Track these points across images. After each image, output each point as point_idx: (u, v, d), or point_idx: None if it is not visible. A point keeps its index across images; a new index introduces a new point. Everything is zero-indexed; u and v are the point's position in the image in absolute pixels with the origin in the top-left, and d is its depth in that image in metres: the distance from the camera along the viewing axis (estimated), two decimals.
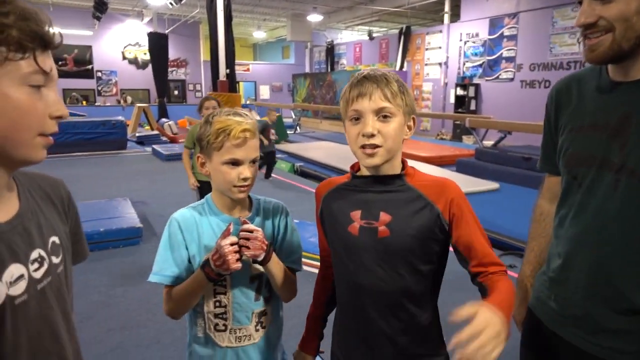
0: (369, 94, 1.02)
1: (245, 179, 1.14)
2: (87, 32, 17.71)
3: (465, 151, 8.80)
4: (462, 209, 1.05)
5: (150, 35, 15.98)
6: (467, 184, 6.03)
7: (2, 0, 0.64)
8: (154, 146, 10.35)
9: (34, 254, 0.74)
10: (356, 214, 1.08)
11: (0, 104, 0.65)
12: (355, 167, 1.15)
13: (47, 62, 0.69)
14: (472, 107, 12.73)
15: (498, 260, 1.05)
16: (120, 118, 10.87)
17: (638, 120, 0.94)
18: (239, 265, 1.08)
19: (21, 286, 0.70)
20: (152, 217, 5.08)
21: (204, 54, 19.82)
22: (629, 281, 0.97)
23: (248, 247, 1.10)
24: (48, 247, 0.78)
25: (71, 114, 15.10)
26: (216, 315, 1.19)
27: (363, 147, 1.02)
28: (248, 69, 22.36)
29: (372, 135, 1.01)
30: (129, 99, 18.06)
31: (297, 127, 15.18)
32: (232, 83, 11.07)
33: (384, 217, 1.05)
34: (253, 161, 1.17)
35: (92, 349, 2.56)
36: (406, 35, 15.27)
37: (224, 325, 1.19)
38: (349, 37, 21.04)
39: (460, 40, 13.38)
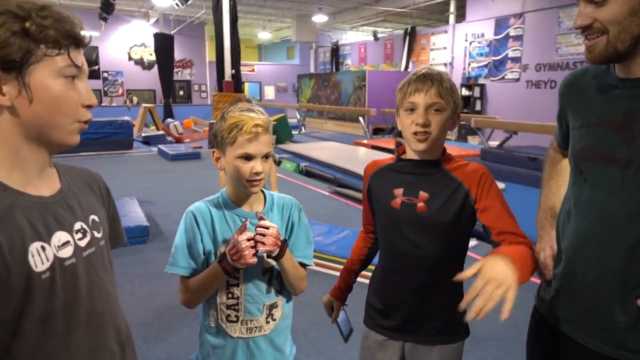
0: (425, 89, 1.21)
1: (257, 173, 1.18)
2: (93, 33, 17.81)
3: (470, 151, 8.77)
4: (487, 187, 1.22)
5: (156, 36, 16.06)
6: None
7: (41, 6, 0.76)
8: (160, 146, 10.40)
9: (77, 226, 0.84)
10: (399, 191, 1.29)
11: (41, 93, 0.76)
12: (400, 151, 1.35)
13: (79, 57, 0.80)
14: (478, 107, 12.71)
15: (515, 230, 1.18)
16: (126, 118, 10.94)
17: None
18: (254, 260, 1.14)
19: (69, 251, 0.80)
20: (159, 216, 5.11)
21: (209, 55, 19.90)
22: (636, 277, 0.98)
23: (263, 243, 1.14)
24: (89, 222, 0.88)
25: None
26: (228, 307, 1.23)
27: (415, 133, 1.22)
28: (253, 70, 22.42)
29: (425, 125, 1.21)
30: (135, 99, 18.16)
31: (302, 128, 15.20)
32: (237, 83, 11.11)
33: (423, 195, 1.26)
34: (265, 156, 1.20)
35: None
36: (411, 35, 15.26)
37: (235, 316, 1.23)
38: (354, 37, 21.05)
39: (466, 40, 13.36)
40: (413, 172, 1.29)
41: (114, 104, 18.13)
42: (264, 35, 21.59)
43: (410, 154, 1.30)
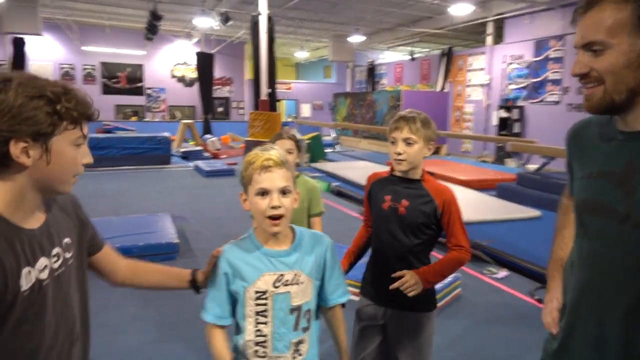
0: (401, 128, 1.68)
1: (274, 207, 1.19)
2: (139, 52, 18.66)
3: (506, 175, 8.56)
4: (451, 207, 1.70)
5: (198, 54, 16.64)
6: (507, 210, 5.87)
7: (66, 91, 0.97)
8: (197, 162, 10.69)
9: (54, 251, 1.05)
10: (388, 197, 1.75)
11: (58, 157, 0.98)
12: (392, 169, 1.79)
13: (86, 129, 1.03)
14: (516, 129, 12.41)
15: (462, 244, 1.72)
16: (165, 134, 11.32)
17: None
18: None
19: (46, 273, 1.01)
20: (190, 233, 5.23)
21: (248, 73, 20.41)
22: (636, 334, 0.94)
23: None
24: (62, 245, 1.08)
25: (121, 129, 15.88)
26: (257, 344, 1.27)
27: (395, 160, 1.70)
28: (290, 88, 22.78)
29: (400, 154, 1.68)
30: (178, 114, 18.84)
31: (336, 146, 15.28)
32: (272, 102, 11.33)
33: (404, 202, 1.71)
34: (283, 191, 1.22)
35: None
36: (448, 56, 15.17)
37: (263, 352, 1.26)
38: (391, 57, 21.11)
39: (504, 62, 13.15)
40: (399, 185, 1.75)
41: (155, 119, 18.82)
42: (302, 55, 21.96)
43: (398, 172, 1.75)
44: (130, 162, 10.39)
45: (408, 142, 1.66)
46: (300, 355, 1.29)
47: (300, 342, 1.28)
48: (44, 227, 1.03)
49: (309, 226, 2.25)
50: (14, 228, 0.96)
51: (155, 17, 12.65)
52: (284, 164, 1.23)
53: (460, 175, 8.38)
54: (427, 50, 18.84)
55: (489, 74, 13.64)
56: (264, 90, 11.21)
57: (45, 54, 17.36)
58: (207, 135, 14.87)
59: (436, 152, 14.37)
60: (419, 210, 1.69)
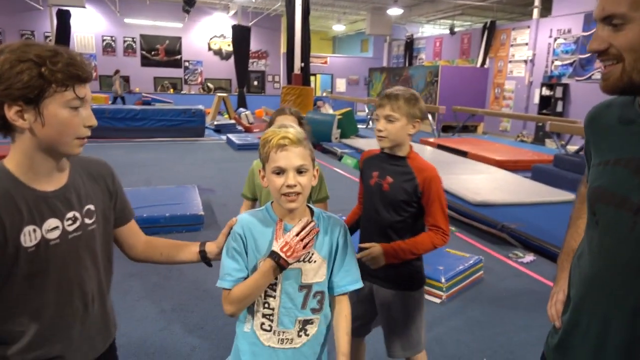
0: (383, 105, 1.72)
1: (289, 186, 1.19)
2: (177, 25, 18.83)
3: (544, 156, 8.20)
4: (431, 186, 1.70)
5: (234, 27, 16.63)
6: (541, 193, 5.64)
7: (54, 53, 0.99)
8: (229, 135, 10.81)
9: (70, 214, 1.10)
10: (375, 174, 1.79)
11: (51, 120, 1.00)
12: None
13: (83, 91, 1.03)
14: (559, 108, 11.84)
15: (439, 224, 1.71)
16: (200, 107, 11.45)
17: None
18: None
19: (55, 234, 1.07)
20: (216, 205, 5.33)
21: (284, 47, 20.30)
22: (634, 339, 0.87)
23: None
24: (83, 211, 1.13)
25: (159, 101, 16.21)
26: (264, 315, 1.27)
27: (378, 136, 1.75)
28: (326, 62, 22.52)
29: (380, 131, 1.72)
30: (211, 86, 19.04)
31: (370, 122, 15.08)
32: (305, 76, 11.25)
33: (388, 179, 1.74)
34: (300, 170, 1.21)
35: (143, 327, 2.76)
36: (490, 30, 14.50)
37: (269, 325, 1.27)
38: (430, 31, 20.42)
39: (550, 36, 12.46)
40: (386, 162, 1.78)
41: (192, 92, 19.10)
42: (339, 28, 21.57)
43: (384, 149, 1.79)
44: (165, 134, 10.62)
45: (389, 119, 1.69)
46: (306, 335, 1.28)
47: (308, 322, 1.28)
48: (60, 190, 1.08)
49: None
50: (23, 187, 1.03)
51: None
52: (300, 142, 1.22)
53: (495, 155, 8.11)
54: (469, 24, 18.10)
55: (533, 49, 12.99)
56: (297, 64, 11.12)
57: (88, 26, 17.80)
58: (241, 109, 14.98)
59: (473, 130, 13.95)
60: (401, 187, 1.71)
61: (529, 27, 13.24)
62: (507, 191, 5.63)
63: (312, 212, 1.32)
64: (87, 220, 1.13)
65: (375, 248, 1.71)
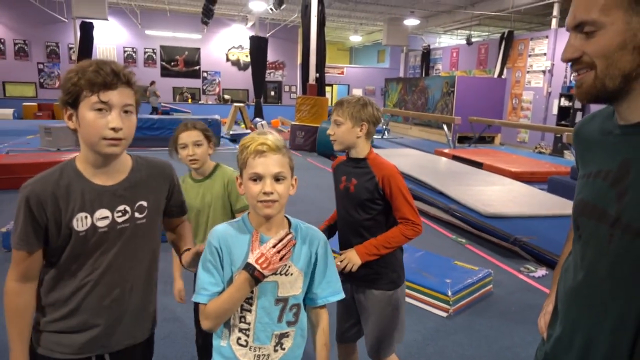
0: (334, 110, 1.86)
1: (266, 193, 1.16)
2: (196, 36, 19.19)
3: (561, 168, 8.05)
4: (390, 181, 1.77)
5: (251, 38, 16.87)
6: (556, 205, 5.51)
7: (91, 64, 1.15)
8: None
9: (120, 207, 1.24)
10: (344, 178, 1.89)
11: (83, 121, 1.16)
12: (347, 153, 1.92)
13: (108, 96, 1.15)
14: (578, 119, 11.62)
15: (407, 216, 1.78)
16: (216, 117, 11.59)
17: (638, 169, 0.82)
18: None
19: (105, 222, 1.22)
20: None
21: (300, 57, 20.48)
22: (616, 353, 0.84)
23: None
24: (135, 206, 1.27)
25: (177, 111, 16.49)
26: (240, 330, 1.24)
27: (330, 140, 1.89)
28: (342, 72, 22.62)
29: (330, 135, 1.88)
30: (228, 97, 19.29)
31: (386, 132, 15.04)
32: (320, 87, 11.30)
33: (354, 181, 1.85)
34: (277, 177, 1.19)
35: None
36: (508, 40, 14.38)
37: (245, 341, 1.24)
38: (447, 41, 20.36)
39: None
40: (351, 166, 1.89)
41: (209, 102, 19.37)
42: (356, 39, 21.70)
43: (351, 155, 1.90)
44: None
45: (336, 123, 1.83)
46: (282, 349, 1.26)
47: (284, 336, 1.25)
48: (116, 186, 1.24)
49: None
50: (83, 180, 1.21)
51: (210, 0, 12.90)
52: (279, 149, 1.19)
53: (511, 166, 7.99)
54: (486, 34, 18.00)
55: (551, 60, 12.82)
56: (312, 74, 11.19)
57: (110, 38, 18.27)
58: (257, 119, 15.12)
59: (490, 141, 13.79)
60: (363, 187, 1.81)
61: (547, 37, 13.09)
62: (521, 203, 5.52)
63: (289, 222, 1.29)
64: (138, 215, 1.27)
65: (348, 251, 1.81)
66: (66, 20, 16.76)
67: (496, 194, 5.94)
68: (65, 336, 1.24)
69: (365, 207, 1.82)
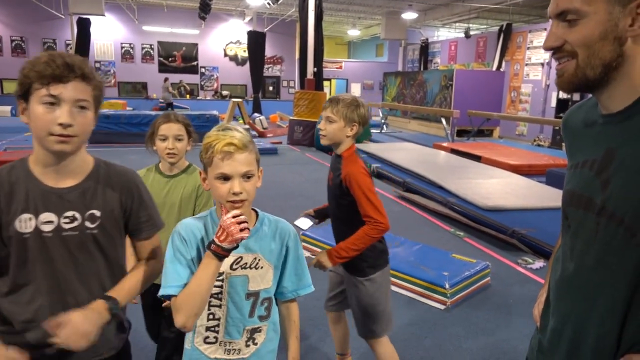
0: (326, 107, 1.91)
1: (235, 194, 1.13)
2: (194, 31, 19.11)
3: (560, 160, 8.05)
4: (351, 180, 1.84)
5: (249, 33, 16.81)
6: (553, 197, 5.52)
7: (43, 56, 1.08)
8: None
9: (68, 213, 1.15)
10: (331, 173, 2.00)
11: (32, 115, 1.08)
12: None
13: (58, 89, 1.06)
14: None
15: (369, 214, 1.83)
16: (214, 112, 11.58)
17: (620, 157, 0.83)
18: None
19: (49, 227, 1.13)
20: None
21: (298, 52, 20.42)
22: (605, 342, 0.85)
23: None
24: (85, 214, 1.16)
25: (176, 107, 16.45)
26: (208, 329, 1.22)
27: (320, 134, 1.96)
28: (340, 67, 22.55)
29: (321, 130, 1.93)
30: (225, 93, 19.24)
31: (384, 127, 15.02)
32: (318, 81, 11.28)
33: (331, 175, 1.99)
34: (246, 176, 1.15)
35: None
36: (506, 33, 14.35)
37: (214, 337, 1.22)
38: (446, 34, 20.29)
39: None
40: (334, 161, 1.99)
41: (207, 98, 19.32)
42: (354, 33, 21.62)
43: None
44: None
45: (329, 120, 1.88)
46: (255, 344, 1.24)
47: (256, 331, 1.24)
48: (66, 189, 1.15)
49: None
50: (32, 179, 1.14)
51: None
52: (246, 146, 1.15)
53: (509, 159, 7.99)
54: (484, 27, 17.93)
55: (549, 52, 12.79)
56: (310, 69, 11.17)
57: (108, 34, 18.19)
58: (256, 114, 15.09)
59: (488, 134, 13.78)
60: (335, 182, 1.93)
61: (545, 29, 13.04)
62: (519, 196, 5.54)
63: (257, 215, 1.27)
64: (89, 224, 1.16)
65: (319, 254, 1.93)
66: (63, 17, 16.68)
67: (494, 187, 5.95)
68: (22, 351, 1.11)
69: (338, 199, 1.94)
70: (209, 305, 1.20)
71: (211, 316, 1.21)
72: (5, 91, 17.32)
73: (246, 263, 1.20)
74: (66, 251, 1.14)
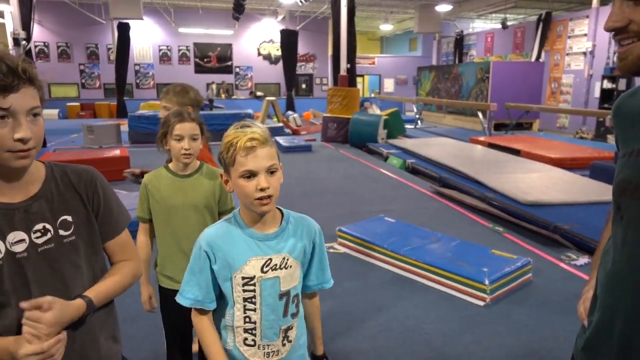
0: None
1: (263, 189, 1.12)
2: (228, 32, 19.42)
3: (604, 153, 7.72)
4: None
5: (282, 32, 16.92)
6: (598, 191, 5.31)
7: None
8: (276, 138, 11.00)
9: (38, 227, 1.02)
10: None
11: None
12: None
13: (8, 101, 0.92)
14: None
15: None
16: (249, 111, 11.77)
17: None
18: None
19: (21, 247, 1.00)
20: None
21: (331, 49, 20.39)
22: None
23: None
24: (57, 223, 1.05)
25: (215, 106, 16.82)
26: (246, 330, 1.22)
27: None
28: (373, 62, 22.38)
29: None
30: (260, 93, 19.48)
31: (419, 122, 14.82)
32: (351, 77, 11.24)
33: None
34: (270, 171, 1.14)
35: (134, 349, 2.60)
36: (545, 22, 13.84)
37: (252, 340, 1.22)
38: (481, 26, 19.79)
39: None
40: None
41: (241, 97, 19.61)
42: (386, 27, 21.39)
43: None
44: (216, 138, 10.93)
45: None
46: (289, 342, 1.25)
47: (289, 329, 1.25)
48: (26, 202, 1.02)
49: None
50: None
51: None
52: (267, 141, 1.14)
53: (550, 153, 7.74)
54: (522, 16, 17.38)
55: (592, 40, 12.27)
56: (343, 65, 11.15)
57: (146, 37, 18.74)
58: (289, 112, 15.19)
59: (528, 128, 13.37)
60: None
61: (587, 16, 12.52)
62: (562, 190, 5.36)
63: (282, 214, 1.25)
64: (63, 232, 1.05)
65: None
66: (104, 22, 17.31)
67: (535, 182, 5.78)
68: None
69: None
70: (245, 309, 1.20)
71: (247, 319, 1.21)
72: (52, 95, 18.13)
73: (276, 264, 1.19)
74: (48, 268, 1.03)
